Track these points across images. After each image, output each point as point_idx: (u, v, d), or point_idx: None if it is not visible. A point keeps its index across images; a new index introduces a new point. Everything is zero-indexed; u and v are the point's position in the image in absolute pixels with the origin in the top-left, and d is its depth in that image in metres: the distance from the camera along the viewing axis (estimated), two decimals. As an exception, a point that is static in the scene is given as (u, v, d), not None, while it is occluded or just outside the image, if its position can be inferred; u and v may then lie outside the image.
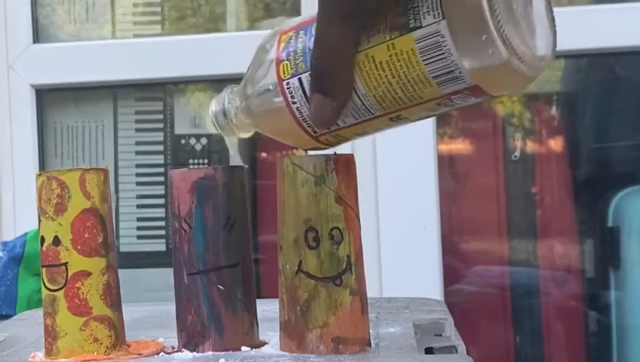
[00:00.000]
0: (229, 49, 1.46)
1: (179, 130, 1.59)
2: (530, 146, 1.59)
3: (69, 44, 1.59)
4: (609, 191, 1.54)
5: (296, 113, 0.60)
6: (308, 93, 0.59)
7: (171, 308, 0.68)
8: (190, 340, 0.66)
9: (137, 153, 1.60)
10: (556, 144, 1.62)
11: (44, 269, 0.66)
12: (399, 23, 0.55)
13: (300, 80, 0.59)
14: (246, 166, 0.69)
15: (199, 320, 0.66)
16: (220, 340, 0.66)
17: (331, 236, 0.62)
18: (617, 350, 1.51)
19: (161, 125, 1.60)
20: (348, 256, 0.62)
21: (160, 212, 1.58)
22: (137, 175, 1.59)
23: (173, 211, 0.66)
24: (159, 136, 1.60)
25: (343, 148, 0.63)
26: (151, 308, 0.91)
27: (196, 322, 0.66)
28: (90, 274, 0.65)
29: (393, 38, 0.55)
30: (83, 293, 0.65)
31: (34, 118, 1.54)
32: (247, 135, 0.69)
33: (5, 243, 1.32)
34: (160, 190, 1.58)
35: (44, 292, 0.66)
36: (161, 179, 1.58)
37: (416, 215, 1.41)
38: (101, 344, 0.66)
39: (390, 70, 0.55)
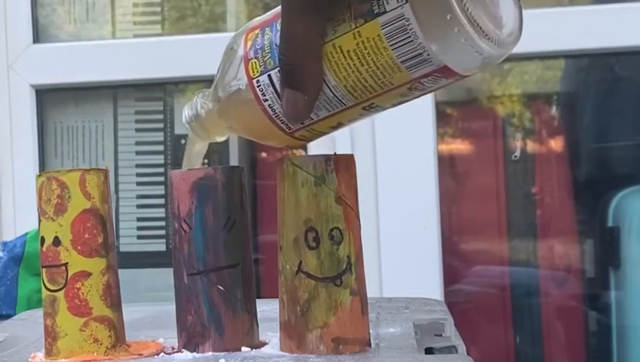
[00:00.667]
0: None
1: (179, 130, 1.59)
2: (531, 146, 1.59)
3: (69, 44, 1.59)
4: (609, 191, 1.54)
5: (269, 111, 0.60)
6: (279, 90, 0.59)
7: (171, 308, 0.68)
8: (190, 340, 0.66)
9: (137, 153, 1.60)
10: (556, 144, 1.62)
11: (44, 270, 0.66)
12: (363, 11, 0.54)
13: (269, 77, 0.59)
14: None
15: (199, 320, 0.65)
16: (220, 340, 0.66)
17: (331, 236, 0.62)
18: (617, 350, 1.51)
19: (161, 125, 1.60)
20: (348, 256, 0.62)
21: (160, 212, 1.58)
22: (137, 175, 1.59)
23: (173, 211, 0.66)
24: (159, 136, 1.60)
25: (343, 149, 0.63)
26: (151, 308, 0.91)
27: (196, 322, 0.66)
28: (90, 274, 0.65)
29: (358, 25, 0.54)
30: (83, 294, 0.65)
31: (34, 118, 1.54)
32: (222, 138, 0.69)
33: (5, 243, 1.32)
34: (160, 190, 1.58)
35: (44, 292, 0.66)
36: (161, 179, 1.58)
37: (416, 215, 1.41)
38: (101, 344, 0.66)
39: (358, 58, 0.55)
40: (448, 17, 0.52)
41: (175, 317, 0.68)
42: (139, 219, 1.58)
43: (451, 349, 0.71)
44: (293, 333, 0.63)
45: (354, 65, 0.55)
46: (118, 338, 0.67)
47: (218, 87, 0.63)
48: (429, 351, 0.69)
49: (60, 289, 0.65)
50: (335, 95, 0.57)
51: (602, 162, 1.63)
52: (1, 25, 1.52)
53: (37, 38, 1.55)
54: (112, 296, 0.66)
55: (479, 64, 0.55)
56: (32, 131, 1.53)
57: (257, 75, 0.60)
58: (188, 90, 1.63)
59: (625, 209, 1.51)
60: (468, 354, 0.72)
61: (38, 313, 0.75)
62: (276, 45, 0.58)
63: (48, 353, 0.66)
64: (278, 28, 0.58)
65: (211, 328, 0.65)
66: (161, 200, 1.58)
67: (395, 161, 1.42)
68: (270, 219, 1.17)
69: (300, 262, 0.62)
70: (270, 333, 0.69)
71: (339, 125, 0.61)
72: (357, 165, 0.64)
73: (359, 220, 0.63)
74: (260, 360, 0.63)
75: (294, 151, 1.31)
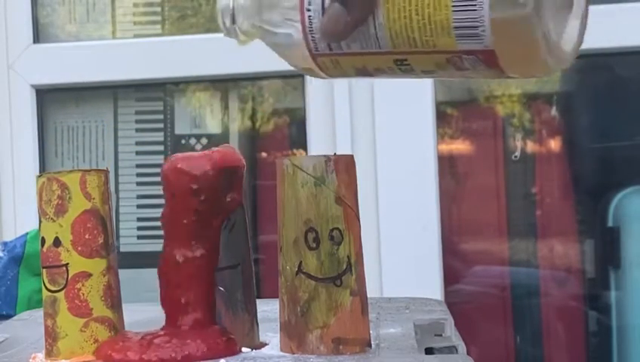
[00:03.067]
0: (229, 49, 1.46)
1: (179, 130, 1.59)
2: (531, 146, 1.59)
3: (69, 44, 1.59)
4: (609, 191, 1.54)
5: (306, 21, 0.58)
6: (326, 3, 0.57)
7: (172, 308, 0.68)
8: (190, 341, 0.66)
9: (137, 153, 1.60)
10: (556, 144, 1.62)
11: (44, 270, 0.66)
12: None
13: None
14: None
15: (199, 320, 0.65)
16: (221, 341, 0.66)
17: (331, 237, 0.62)
18: (617, 350, 1.51)
19: (161, 125, 1.60)
20: (348, 256, 0.62)
21: (160, 212, 1.57)
22: (137, 175, 1.59)
23: (174, 212, 0.66)
24: (159, 136, 1.60)
25: (343, 149, 0.63)
26: (151, 308, 0.91)
27: (196, 323, 0.66)
28: (90, 275, 0.65)
29: None
30: (83, 294, 0.65)
31: (34, 118, 1.54)
32: (248, 41, 0.65)
33: (5, 244, 1.32)
34: (160, 190, 1.58)
35: (45, 293, 0.66)
36: (161, 179, 1.57)
37: (416, 215, 1.41)
38: (101, 345, 0.66)
39: (417, 6, 0.54)
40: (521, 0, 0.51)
41: (175, 318, 0.67)
42: (139, 219, 1.58)
43: (451, 349, 0.71)
44: (294, 334, 0.63)
45: (409, 10, 0.54)
46: (119, 339, 0.67)
47: None
48: (429, 351, 0.69)
49: (61, 289, 0.65)
50: (376, 33, 0.56)
51: (602, 162, 1.63)
52: (1, 25, 1.52)
53: (37, 38, 1.55)
54: (113, 297, 0.66)
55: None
56: (32, 131, 1.53)
57: None
58: (188, 90, 1.63)
59: (625, 209, 1.51)
60: (468, 354, 0.72)
61: (39, 313, 0.75)
62: None
63: (49, 353, 0.66)
64: None
65: (211, 328, 0.65)
66: (161, 201, 1.57)
67: (395, 161, 1.42)
68: (270, 219, 1.17)
69: (300, 262, 0.62)
70: (270, 334, 0.69)
71: (364, 69, 0.59)
72: (357, 165, 0.64)
73: (359, 220, 0.63)
74: (261, 361, 0.63)
75: (294, 151, 1.31)
